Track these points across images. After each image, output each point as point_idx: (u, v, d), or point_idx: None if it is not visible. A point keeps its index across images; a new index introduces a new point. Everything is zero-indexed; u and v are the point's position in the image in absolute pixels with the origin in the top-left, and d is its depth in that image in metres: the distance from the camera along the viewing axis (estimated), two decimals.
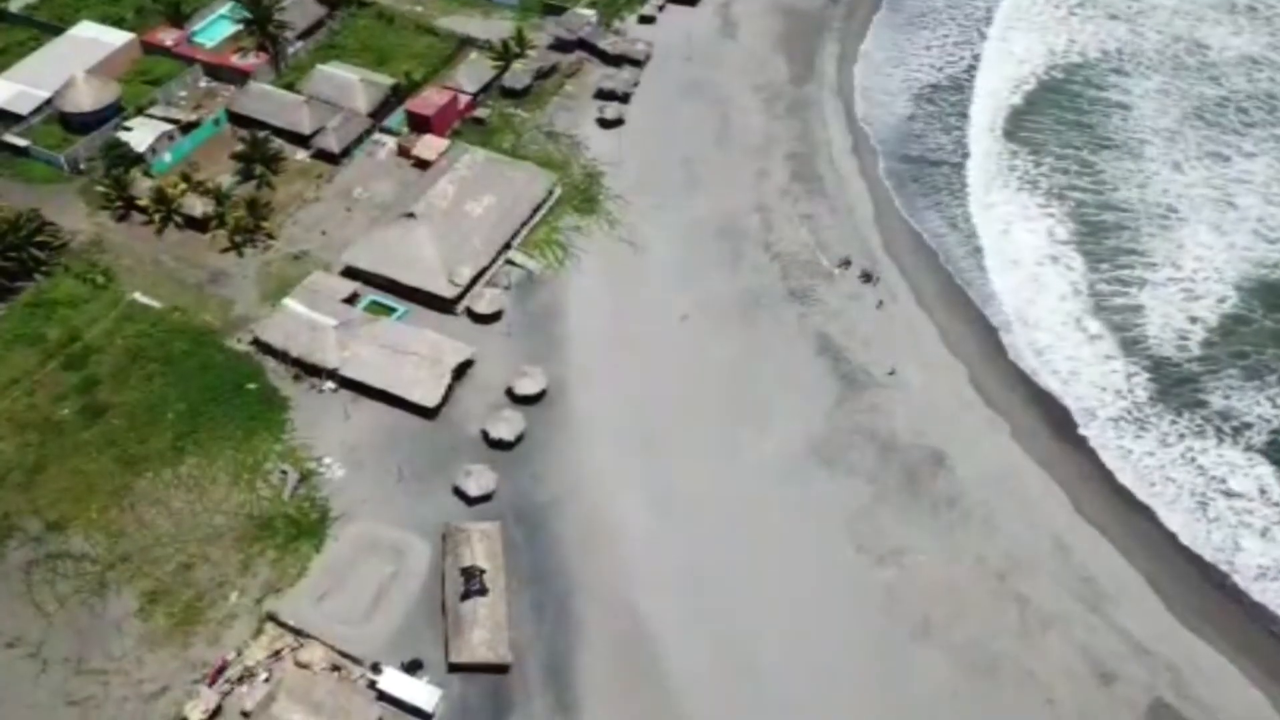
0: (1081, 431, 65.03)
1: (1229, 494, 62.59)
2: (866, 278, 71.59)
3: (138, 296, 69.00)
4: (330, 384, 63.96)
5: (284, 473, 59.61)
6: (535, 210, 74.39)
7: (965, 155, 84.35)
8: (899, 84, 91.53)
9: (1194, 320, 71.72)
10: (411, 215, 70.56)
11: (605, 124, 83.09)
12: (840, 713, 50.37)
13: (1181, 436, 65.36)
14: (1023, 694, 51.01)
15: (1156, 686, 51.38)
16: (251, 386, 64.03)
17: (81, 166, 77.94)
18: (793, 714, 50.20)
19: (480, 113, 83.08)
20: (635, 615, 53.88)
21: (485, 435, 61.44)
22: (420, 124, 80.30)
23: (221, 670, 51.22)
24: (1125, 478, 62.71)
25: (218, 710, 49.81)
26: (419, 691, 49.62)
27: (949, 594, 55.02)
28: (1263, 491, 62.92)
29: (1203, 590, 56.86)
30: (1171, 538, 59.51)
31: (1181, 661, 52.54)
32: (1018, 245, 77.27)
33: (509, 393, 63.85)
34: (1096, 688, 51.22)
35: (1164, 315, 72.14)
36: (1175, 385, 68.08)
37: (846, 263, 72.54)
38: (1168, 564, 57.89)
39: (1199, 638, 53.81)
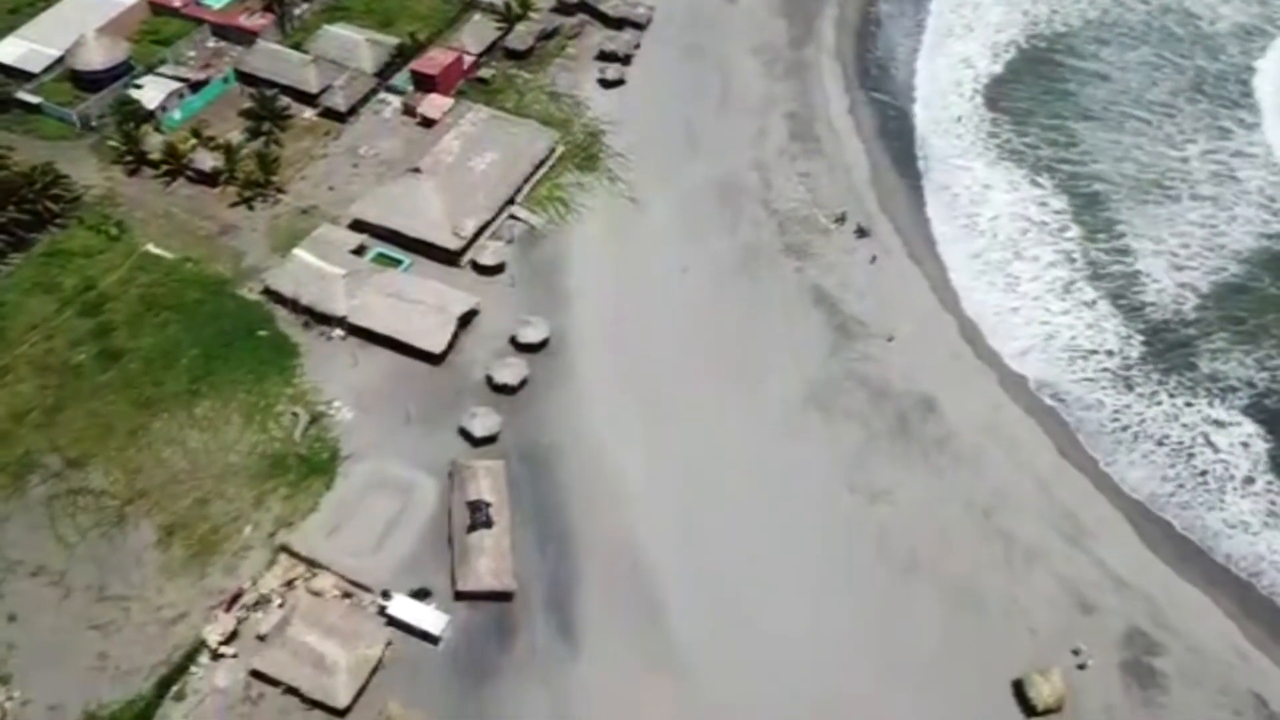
0: (1068, 385, 67.20)
1: (1213, 447, 64.69)
2: (861, 233, 73.48)
3: (150, 248, 70.73)
4: (339, 331, 65.82)
5: (295, 415, 61.61)
6: (537, 167, 76.01)
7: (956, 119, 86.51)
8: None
9: (1187, 288, 73.12)
10: (417, 170, 72.32)
11: (606, 85, 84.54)
12: (831, 643, 52.56)
13: (1170, 395, 67.06)
14: (1007, 623, 53.33)
15: (1133, 616, 53.76)
16: (262, 333, 65.96)
17: (93, 123, 79.41)
18: (784, 642, 52.32)
19: (484, 73, 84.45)
20: (633, 548, 56.11)
21: (489, 380, 63.41)
22: (425, 83, 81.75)
23: (237, 597, 53.46)
24: (1108, 428, 64.98)
25: (234, 634, 52.10)
26: (427, 616, 51.90)
27: (937, 531, 57.23)
28: (1245, 445, 65.03)
29: (1178, 529, 59.24)
30: (1148, 478, 61.84)
31: (1157, 593, 54.88)
32: (998, 208, 78.86)
33: (512, 341, 65.79)
34: (1076, 617, 53.57)
35: (1157, 282, 73.57)
36: (1167, 349, 69.49)
37: (842, 219, 74.38)
38: (1146, 505, 60.28)
39: (1175, 572, 56.21)
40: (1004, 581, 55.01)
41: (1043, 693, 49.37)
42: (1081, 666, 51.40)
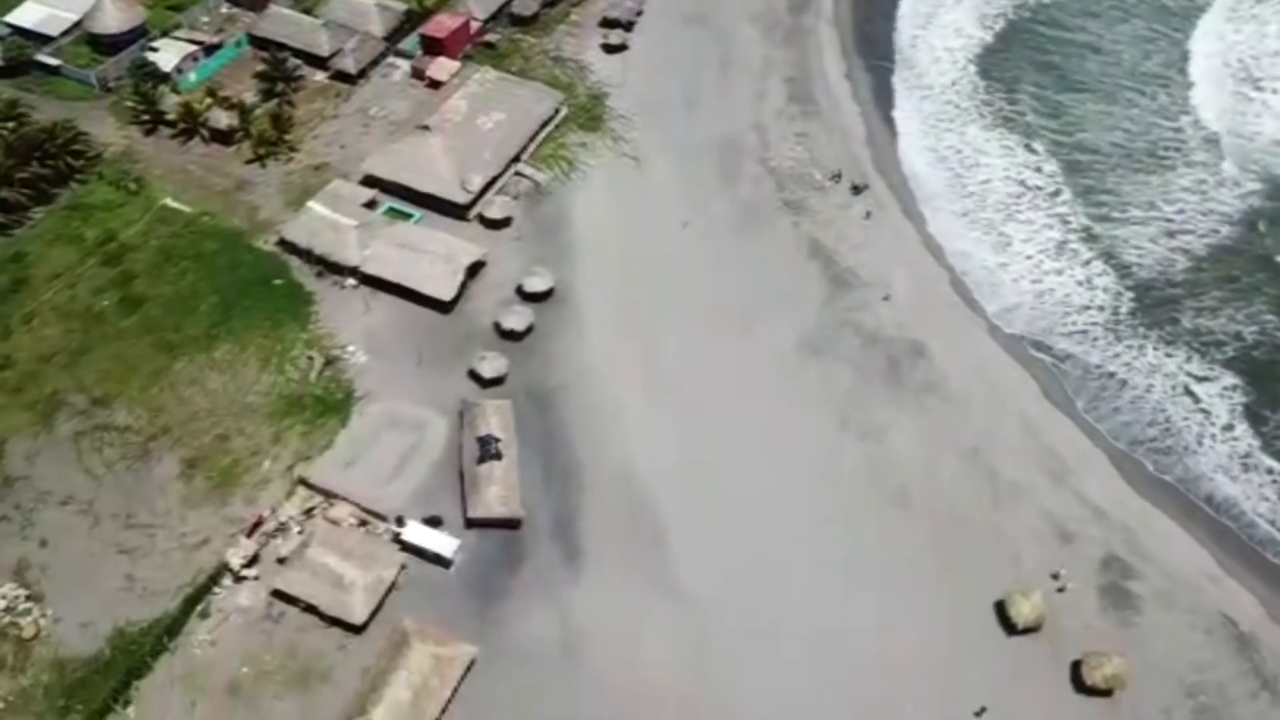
0: (1056, 336, 69.57)
1: (1193, 397, 67.32)
2: (856, 190, 75.88)
3: (169, 201, 73.18)
4: (352, 280, 68.32)
5: (310, 358, 64.12)
6: (542, 126, 78.41)
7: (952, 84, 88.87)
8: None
9: (1178, 250, 75.53)
10: (426, 127, 74.70)
11: (610, 49, 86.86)
12: (822, 568, 55.17)
13: (1155, 347, 69.51)
14: (990, 550, 55.94)
15: (1111, 544, 56.39)
16: (278, 282, 68.43)
17: (110, 85, 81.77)
18: (777, 568, 54.96)
19: (490, 38, 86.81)
20: (635, 481, 58.69)
21: (497, 327, 65.93)
22: (433, 47, 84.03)
23: (258, 525, 56.11)
24: (1094, 375, 67.50)
25: (255, 558, 54.83)
26: (439, 540, 54.55)
27: (925, 467, 59.79)
28: (1225, 395, 67.72)
29: (1158, 468, 61.84)
30: (1131, 422, 64.54)
31: (1135, 524, 57.48)
32: (990, 172, 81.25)
33: (519, 290, 68.27)
34: (1057, 545, 56.19)
35: (1149, 244, 75.96)
36: (1155, 305, 71.90)
37: (837, 176, 76.75)
38: (1126, 444, 62.87)
39: (1153, 505, 58.80)
40: (988, 513, 57.62)
41: (1023, 611, 52.03)
42: (1061, 590, 54.06)
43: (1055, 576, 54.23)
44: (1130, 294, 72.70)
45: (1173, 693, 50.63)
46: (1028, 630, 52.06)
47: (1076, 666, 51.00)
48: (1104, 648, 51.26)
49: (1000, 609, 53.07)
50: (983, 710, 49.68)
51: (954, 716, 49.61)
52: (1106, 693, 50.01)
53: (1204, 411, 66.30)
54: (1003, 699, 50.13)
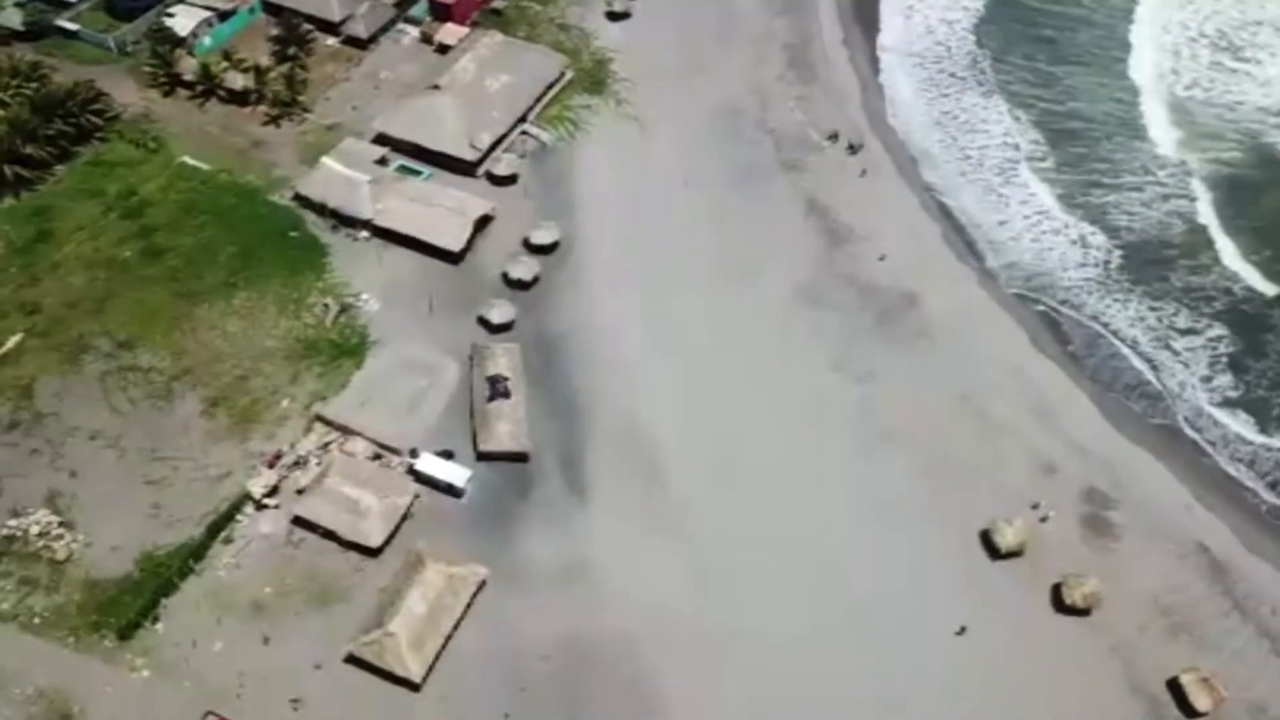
0: (1044, 287, 72.05)
1: (1175, 351, 69.76)
2: (852, 150, 78.34)
3: (187, 159, 75.73)
4: (365, 233, 70.87)
5: (326, 305, 66.70)
6: (548, 88, 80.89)
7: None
8: None
9: (1171, 213, 77.76)
10: (436, 88, 77.15)
11: (613, 16, 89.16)
12: (816, 501, 57.91)
13: (1141, 301, 71.90)
14: (977, 483, 58.54)
15: (1092, 476, 59.08)
16: (294, 235, 71.02)
17: (128, 49, 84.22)
18: (773, 499, 57.64)
19: (497, 4, 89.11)
20: (637, 420, 61.41)
21: (505, 277, 68.51)
22: (442, 12, 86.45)
23: (278, 457, 58.75)
24: (1081, 324, 70.06)
25: (276, 488, 57.51)
26: (452, 470, 57.23)
27: (916, 408, 62.36)
28: (1208, 345, 70.22)
29: (1141, 411, 64.45)
30: (1117, 368, 67.19)
31: (1116, 460, 60.17)
32: (986, 137, 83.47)
33: (525, 243, 70.81)
34: (1040, 477, 58.90)
35: (1140, 208, 78.06)
36: (1144, 264, 74.28)
37: (834, 137, 79.20)
38: (1110, 387, 65.50)
39: (1134, 443, 61.48)
40: (975, 449, 60.25)
41: (1006, 537, 54.74)
42: (1043, 520, 56.71)
43: (1035, 507, 56.89)
44: (1120, 253, 75.17)
45: (1148, 612, 53.38)
46: (1010, 555, 54.81)
47: (1057, 590, 53.79)
48: (1083, 572, 54.04)
49: (985, 538, 55.86)
50: (963, 630, 52.47)
51: (939, 634, 52.39)
52: (1085, 612, 52.76)
53: (1184, 364, 69.00)
54: (986, 619, 52.87)
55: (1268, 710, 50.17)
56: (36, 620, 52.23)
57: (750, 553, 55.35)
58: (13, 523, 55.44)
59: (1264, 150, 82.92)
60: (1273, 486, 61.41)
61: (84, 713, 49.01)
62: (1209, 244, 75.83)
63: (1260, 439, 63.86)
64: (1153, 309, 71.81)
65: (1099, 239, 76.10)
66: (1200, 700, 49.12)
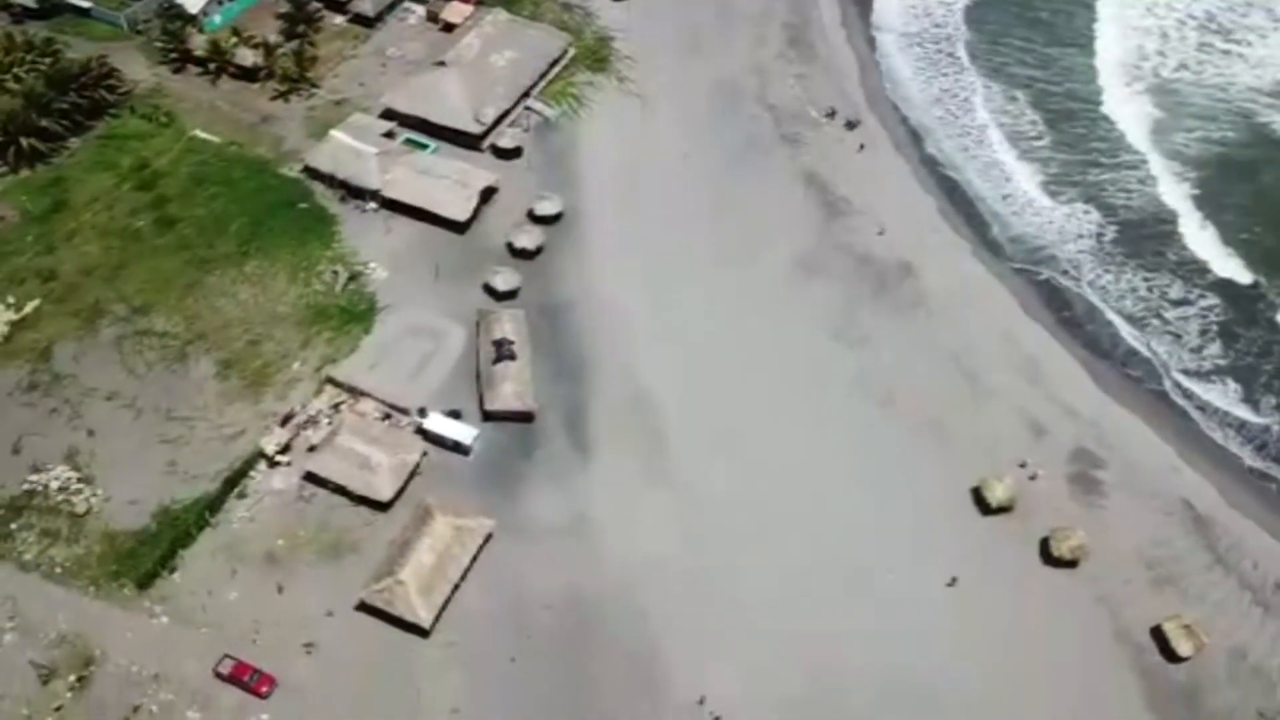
0: (1037, 257, 73.79)
1: (1166, 320, 71.44)
2: (850, 125, 79.98)
3: (198, 133, 77.30)
4: (373, 204, 72.45)
5: (335, 272, 68.36)
6: (551, 65, 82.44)
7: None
8: None
9: (1162, 191, 79.27)
10: (442, 64, 78.71)
11: None
12: (813, 459, 59.57)
13: (1135, 273, 73.71)
14: (969, 444, 60.37)
15: (1081, 438, 60.90)
16: (303, 205, 72.62)
17: (140, 26, 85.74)
18: (770, 458, 59.32)
19: None
20: (638, 383, 63.19)
21: (509, 246, 70.16)
22: None
23: (290, 417, 60.39)
24: (1074, 292, 71.77)
25: (288, 446, 59.17)
26: (459, 429, 58.90)
27: (911, 373, 64.10)
28: (1200, 315, 71.89)
29: (1128, 374, 66.14)
30: (1109, 336, 68.89)
31: (1104, 421, 61.98)
32: (981, 115, 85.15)
33: (529, 214, 72.45)
34: (1030, 437, 60.75)
35: (1135, 185, 79.77)
36: (1138, 238, 75.90)
37: (832, 113, 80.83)
38: (1102, 355, 67.13)
39: (1121, 405, 63.34)
40: (968, 412, 62.06)
41: (996, 493, 56.47)
42: (1032, 478, 58.41)
43: (1023, 465, 58.57)
44: (1115, 228, 76.87)
45: (1133, 565, 55.17)
46: (1000, 510, 56.58)
47: (1045, 543, 55.55)
48: (1071, 527, 55.73)
49: (976, 494, 57.60)
50: (954, 580, 54.23)
51: (930, 584, 54.14)
52: (1072, 564, 54.57)
53: (1175, 335, 70.66)
54: (977, 571, 54.70)
55: (1248, 657, 52.05)
56: (58, 570, 54.03)
57: (748, 509, 57.06)
58: (34, 478, 57.24)
59: (1257, 130, 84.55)
60: (1259, 449, 63.25)
61: (105, 656, 50.82)
62: (1200, 221, 77.36)
63: (1245, 405, 65.73)
64: (1145, 280, 73.70)
65: (1094, 215, 77.91)
66: (1182, 645, 50.98)
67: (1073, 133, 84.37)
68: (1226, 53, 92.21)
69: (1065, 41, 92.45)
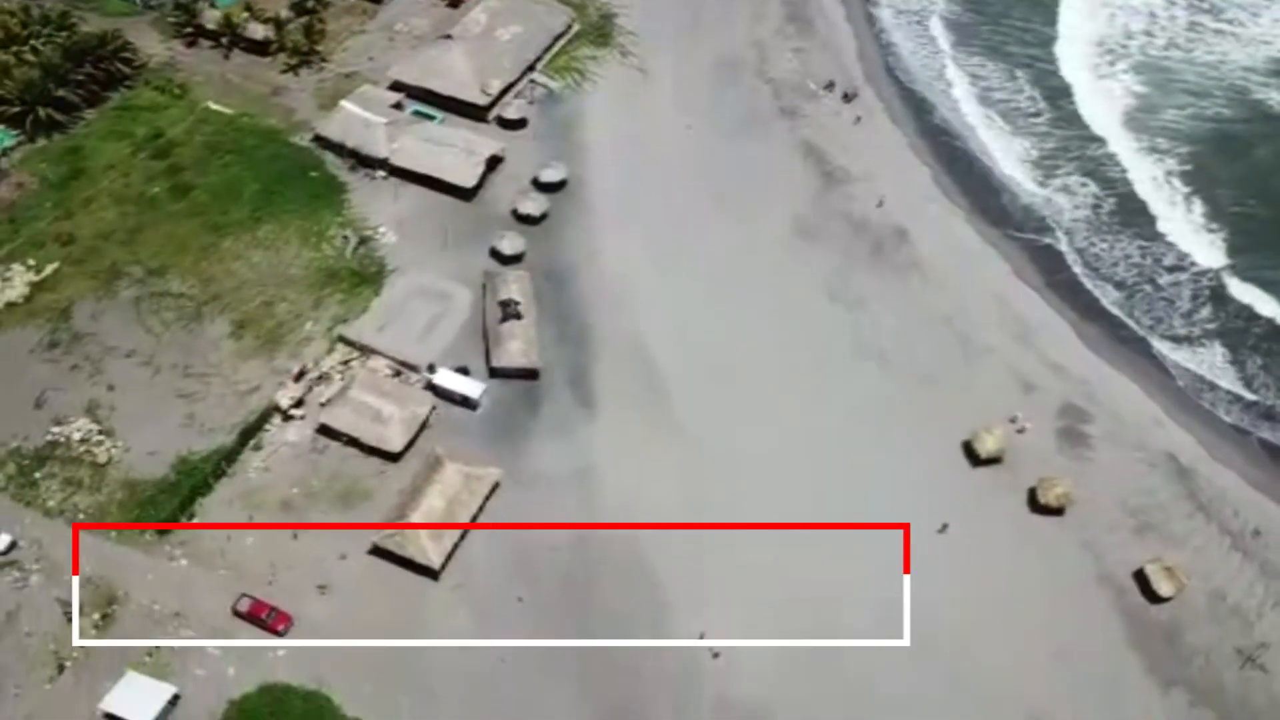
0: (1030, 224, 75.60)
1: (1158, 286, 73.32)
2: (847, 98, 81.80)
3: (211, 104, 79.27)
4: (381, 172, 74.35)
5: (345, 237, 70.36)
6: (555, 40, 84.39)
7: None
8: None
9: (1161, 167, 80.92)
10: (449, 37, 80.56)
11: None
12: (810, 415, 61.53)
13: (1131, 240, 75.47)
14: (960, 399, 62.26)
15: (1069, 394, 62.82)
16: (314, 173, 74.56)
17: (153, 2, 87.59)
18: (768, 413, 61.25)
19: None
20: (641, 342, 65.11)
21: (515, 212, 72.10)
22: None
23: (303, 373, 62.38)
24: (1067, 258, 73.64)
25: (301, 401, 61.17)
26: (467, 384, 60.86)
27: (904, 332, 66.04)
28: (1193, 279, 73.55)
29: (1116, 336, 67.98)
30: (1098, 300, 70.66)
31: (1092, 379, 63.90)
32: (976, 89, 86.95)
33: (534, 182, 74.39)
34: (1020, 394, 62.68)
35: (1132, 156, 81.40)
36: (1130, 211, 77.56)
37: (830, 85, 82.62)
38: (1091, 318, 68.92)
39: (1109, 364, 65.21)
40: (960, 369, 63.99)
41: (986, 444, 58.40)
42: (1020, 431, 60.33)
43: (1013, 420, 60.45)
44: (1113, 200, 78.50)
45: (1118, 513, 57.12)
46: (990, 460, 58.49)
47: (1032, 492, 57.44)
48: (1058, 476, 57.64)
49: (967, 447, 59.51)
50: (945, 527, 56.18)
51: (922, 530, 55.99)
52: (1058, 511, 56.51)
53: (1168, 300, 72.48)
54: (967, 518, 56.66)
55: (1227, 598, 54.02)
56: (81, 516, 56.11)
57: (748, 460, 59.00)
58: (56, 429, 59.33)
59: (1251, 105, 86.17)
60: (1244, 409, 64.87)
61: (128, 595, 52.91)
62: (1192, 194, 79.07)
63: (1232, 365, 67.52)
64: (1139, 248, 75.36)
65: (1089, 187, 79.56)
66: (1163, 586, 52.93)
67: (1068, 109, 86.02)
68: (1219, 32, 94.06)
69: (1061, 20, 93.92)
